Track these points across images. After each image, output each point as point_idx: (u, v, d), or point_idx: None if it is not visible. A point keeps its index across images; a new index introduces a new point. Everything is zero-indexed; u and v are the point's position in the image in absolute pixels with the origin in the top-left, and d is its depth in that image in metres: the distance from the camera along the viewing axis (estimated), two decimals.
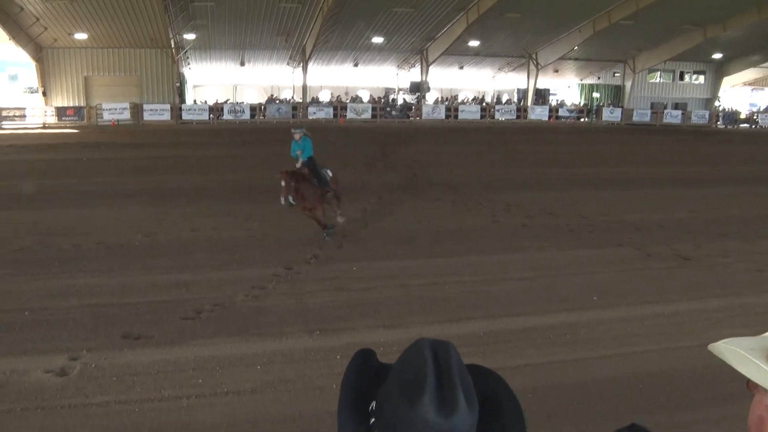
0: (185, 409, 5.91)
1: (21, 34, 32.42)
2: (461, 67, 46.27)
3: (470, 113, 42.87)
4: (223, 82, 43.93)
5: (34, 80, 36.13)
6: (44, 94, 35.45)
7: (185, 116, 36.72)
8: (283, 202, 11.13)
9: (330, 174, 12.02)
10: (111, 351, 7.05)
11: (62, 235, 11.86)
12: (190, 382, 6.36)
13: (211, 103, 39.91)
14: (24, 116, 34.06)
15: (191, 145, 25.28)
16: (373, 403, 1.26)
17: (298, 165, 11.66)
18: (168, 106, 36.27)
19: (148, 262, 10.19)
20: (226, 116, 37.68)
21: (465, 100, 47.94)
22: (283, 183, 11.00)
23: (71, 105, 35.16)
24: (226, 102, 40.34)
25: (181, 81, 39.16)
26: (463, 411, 1.15)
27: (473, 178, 18.55)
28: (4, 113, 33.71)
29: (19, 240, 11.51)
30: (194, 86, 43.66)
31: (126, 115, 35.34)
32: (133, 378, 6.47)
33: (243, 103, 40.14)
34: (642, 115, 45.36)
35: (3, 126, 32.72)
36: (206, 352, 7.03)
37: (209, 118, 37.24)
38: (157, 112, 35.91)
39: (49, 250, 10.92)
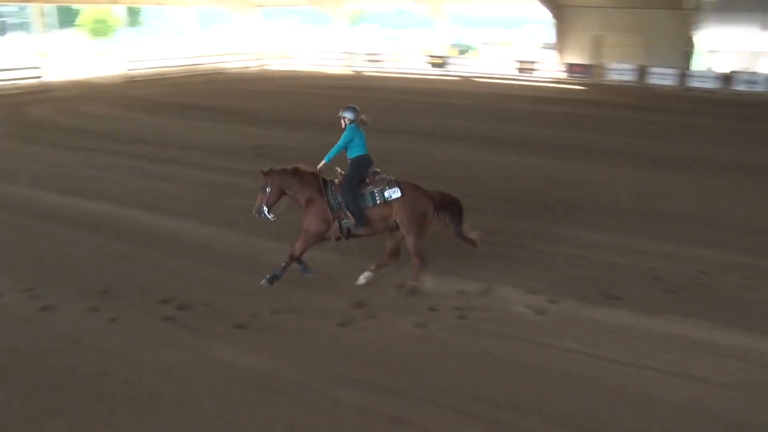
0: (645, 380, 5.85)
1: None
2: None
3: None
4: (740, 48, 40.21)
5: (548, 37, 38.55)
6: (558, 50, 37.51)
7: (692, 83, 34.86)
8: (254, 212, 7.56)
9: (394, 193, 7.31)
10: (587, 304, 7.35)
11: (558, 183, 12.64)
12: (656, 356, 6.23)
13: (723, 70, 36.95)
14: (536, 70, 36.65)
15: (696, 113, 23.84)
16: None
17: (320, 165, 7.62)
18: (675, 71, 34.91)
19: (635, 226, 10.08)
20: (739, 86, 34.51)
21: None
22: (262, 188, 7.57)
23: (580, 62, 36.47)
24: (740, 71, 36.83)
25: (691, 45, 37.18)
26: None
27: None
28: (521, 66, 36.80)
29: (521, 182, 12.64)
30: (709, 51, 40.97)
31: (629, 77, 35.23)
32: (602, 335, 6.66)
33: (760, 73, 36.14)
34: None
35: (518, 77, 35.72)
36: (679, 331, 6.76)
37: (718, 86, 34.59)
38: (662, 76, 34.92)
39: (544, 196, 11.78)
